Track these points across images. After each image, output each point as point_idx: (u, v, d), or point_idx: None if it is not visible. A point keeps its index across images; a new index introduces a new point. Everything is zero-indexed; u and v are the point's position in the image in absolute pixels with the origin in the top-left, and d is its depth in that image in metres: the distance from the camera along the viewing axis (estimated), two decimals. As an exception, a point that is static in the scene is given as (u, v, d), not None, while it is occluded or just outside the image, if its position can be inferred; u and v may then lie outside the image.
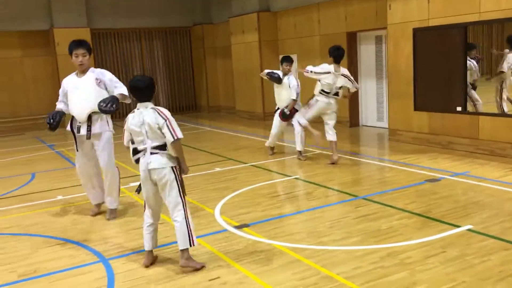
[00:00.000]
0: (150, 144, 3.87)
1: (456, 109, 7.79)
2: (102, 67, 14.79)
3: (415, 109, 8.51)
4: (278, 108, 8.06)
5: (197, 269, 3.93)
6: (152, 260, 4.13)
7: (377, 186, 6.18)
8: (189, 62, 16.57)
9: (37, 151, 10.56)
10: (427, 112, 8.32)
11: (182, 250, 3.93)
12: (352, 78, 7.47)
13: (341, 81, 7.32)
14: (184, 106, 16.64)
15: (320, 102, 7.40)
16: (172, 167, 3.88)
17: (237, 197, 6.05)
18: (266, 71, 8.13)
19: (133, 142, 3.99)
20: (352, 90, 7.54)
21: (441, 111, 8.06)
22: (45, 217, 5.70)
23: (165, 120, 3.80)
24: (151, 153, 3.87)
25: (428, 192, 5.70)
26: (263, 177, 7.02)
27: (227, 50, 15.02)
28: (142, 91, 3.88)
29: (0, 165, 9.22)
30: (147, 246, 4.09)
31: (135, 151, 3.97)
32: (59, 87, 15.68)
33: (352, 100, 10.99)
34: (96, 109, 5.11)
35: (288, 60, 7.96)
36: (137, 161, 3.97)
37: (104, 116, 5.29)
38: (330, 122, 7.47)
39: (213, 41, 15.99)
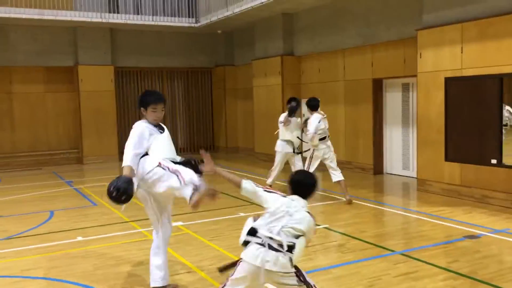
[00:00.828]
0: (284, 239, 3.15)
1: (490, 161, 7.52)
2: (123, 104, 15.03)
3: (446, 159, 8.25)
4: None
5: None
6: None
7: (413, 240, 5.86)
8: (209, 102, 16.59)
9: (55, 187, 10.39)
10: (459, 163, 8.05)
11: None
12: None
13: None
14: (202, 146, 16.52)
15: (320, 150, 7.91)
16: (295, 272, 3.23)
17: (265, 246, 5.75)
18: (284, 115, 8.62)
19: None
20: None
21: (474, 162, 7.78)
22: (65, 259, 5.45)
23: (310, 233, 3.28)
24: (274, 249, 3.13)
25: (470, 250, 5.37)
26: (290, 225, 6.72)
27: (248, 92, 15.02)
28: (307, 187, 3.41)
29: (18, 200, 9.05)
30: None
31: (253, 232, 3.24)
32: (80, 123, 15.74)
33: (377, 147, 10.78)
34: None
35: (296, 100, 8.63)
36: (246, 243, 3.25)
37: None
38: (332, 164, 7.95)
39: (234, 83, 16.04)
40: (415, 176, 9.50)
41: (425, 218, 6.88)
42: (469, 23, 7.71)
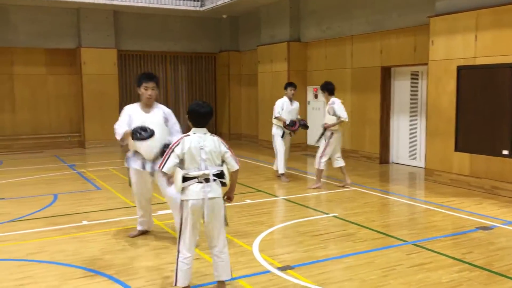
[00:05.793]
0: (210, 170, 3.76)
1: (502, 152, 7.41)
2: (125, 88, 14.82)
3: (456, 149, 8.13)
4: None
5: None
6: None
7: (425, 231, 5.76)
8: (212, 88, 16.42)
9: (58, 170, 10.27)
10: (469, 153, 7.94)
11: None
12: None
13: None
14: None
15: (338, 135, 8.08)
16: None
17: (274, 233, 5.67)
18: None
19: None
20: None
21: (485, 153, 7.66)
22: (71, 243, 5.34)
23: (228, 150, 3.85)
24: (212, 180, 3.77)
25: (483, 242, 5.27)
26: (298, 213, 6.63)
27: (252, 78, 14.85)
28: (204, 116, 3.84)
29: (20, 183, 8.93)
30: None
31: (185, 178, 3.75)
32: (82, 106, 15.62)
33: (383, 137, 10.66)
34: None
35: (293, 85, 9.11)
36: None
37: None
38: (339, 149, 8.21)
39: (239, 69, 15.84)
40: (422, 166, 9.41)
41: (434, 209, 6.78)
42: (484, 10, 7.54)
